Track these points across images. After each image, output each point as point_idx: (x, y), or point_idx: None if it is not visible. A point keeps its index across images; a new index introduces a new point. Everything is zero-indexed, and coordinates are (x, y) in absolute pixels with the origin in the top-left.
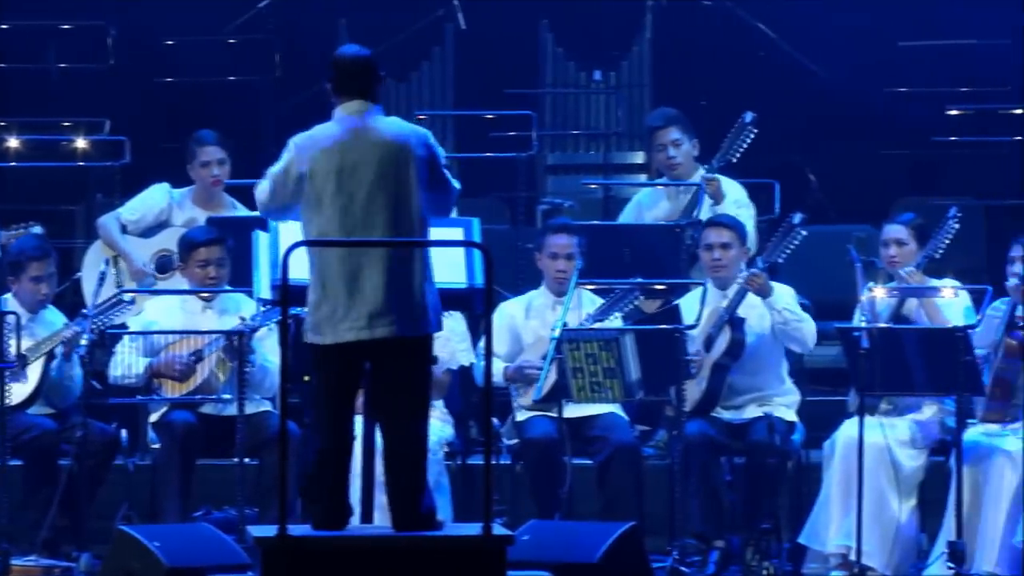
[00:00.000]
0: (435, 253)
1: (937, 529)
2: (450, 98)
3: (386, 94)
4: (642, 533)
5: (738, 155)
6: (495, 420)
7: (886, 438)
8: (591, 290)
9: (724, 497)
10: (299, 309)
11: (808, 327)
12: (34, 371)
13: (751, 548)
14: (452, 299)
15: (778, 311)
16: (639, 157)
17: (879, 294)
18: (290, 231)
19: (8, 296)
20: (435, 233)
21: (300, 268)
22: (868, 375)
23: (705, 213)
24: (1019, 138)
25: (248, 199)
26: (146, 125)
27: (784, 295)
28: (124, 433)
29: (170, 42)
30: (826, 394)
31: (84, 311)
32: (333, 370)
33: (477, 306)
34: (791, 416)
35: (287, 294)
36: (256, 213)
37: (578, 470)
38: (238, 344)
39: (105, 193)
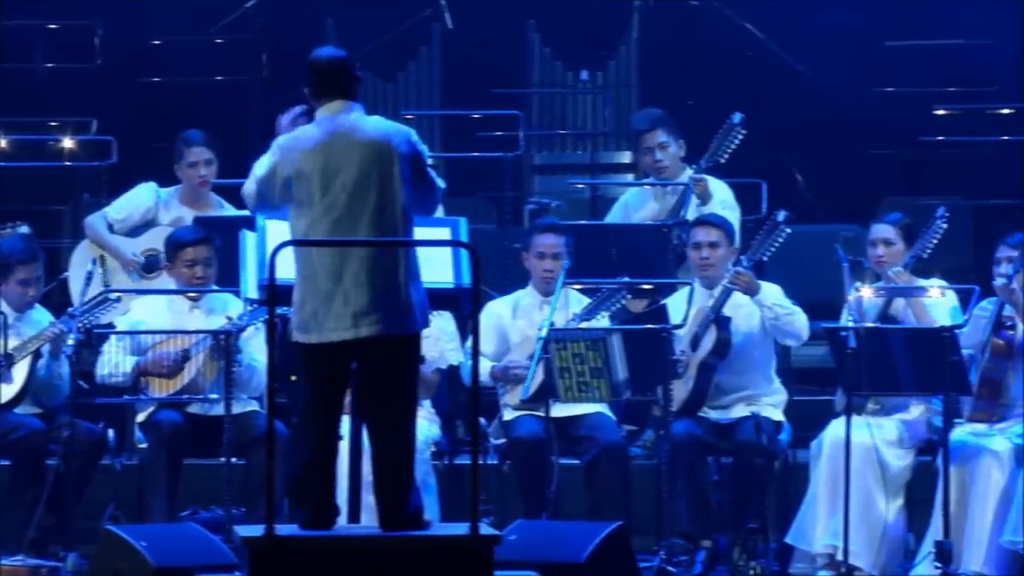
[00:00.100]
0: (422, 253)
1: (924, 529)
2: (437, 98)
3: (373, 93)
4: (629, 533)
5: (726, 156)
6: (482, 420)
7: (873, 438)
8: (578, 290)
9: (711, 497)
10: (286, 309)
11: (800, 319)
12: (20, 371)
13: (738, 548)
14: (439, 299)
15: (768, 307)
16: (626, 157)
17: (866, 294)
18: (277, 231)
19: None
20: (422, 233)
21: (287, 268)
22: (855, 375)
23: (692, 214)
24: (1007, 138)
25: (235, 199)
26: (133, 125)
27: (772, 291)
28: (111, 433)
29: (157, 42)
30: (813, 394)
31: (70, 310)
32: (320, 370)
33: (464, 306)
34: (778, 416)
35: (274, 294)
36: (244, 212)
37: (565, 470)
38: (225, 344)
39: (92, 193)
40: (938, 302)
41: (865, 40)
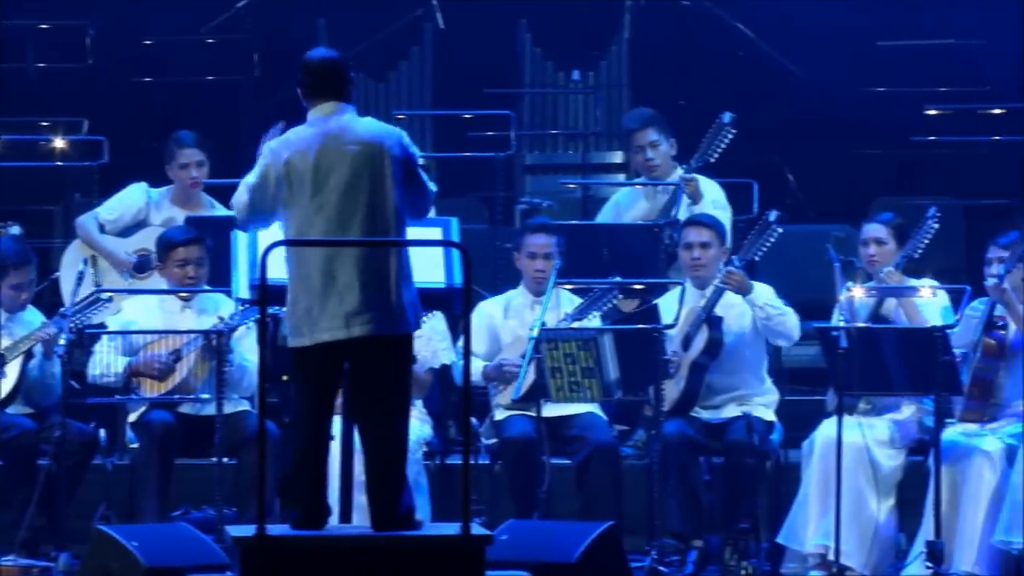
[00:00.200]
0: (414, 253)
1: (915, 529)
2: (428, 98)
3: (364, 94)
4: (620, 533)
5: (716, 155)
6: (473, 420)
7: (864, 438)
8: (569, 290)
9: (702, 497)
10: (277, 309)
11: (791, 319)
12: (11, 371)
13: (729, 548)
14: (431, 299)
15: (759, 307)
16: (617, 157)
17: (858, 294)
18: (268, 231)
19: None
20: (413, 233)
21: (279, 268)
22: (847, 375)
23: (683, 213)
24: (998, 138)
25: (227, 199)
26: (124, 125)
27: (764, 292)
28: (103, 433)
29: (149, 42)
30: (805, 394)
31: (62, 310)
32: (311, 370)
33: (456, 306)
34: (770, 416)
35: (265, 294)
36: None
37: (556, 470)
38: (216, 344)
39: (83, 193)
40: (929, 302)
41: (857, 40)
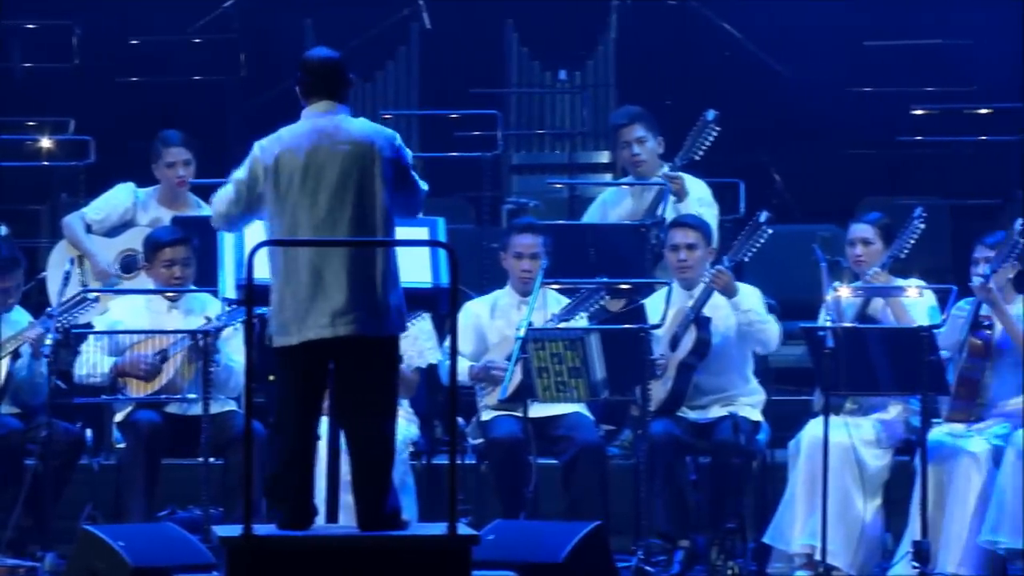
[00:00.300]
0: (400, 252)
1: (902, 529)
2: (415, 98)
3: (351, 93)
4: (607, 533)
5: (700, 153)
6: (460, 420)
7: (851, 438)
8: (556, 290)
9: (689, 497)
10: (264, 309)
11: (772, 329)
12: None
13: (716, 548)
14: (417, 299)
15: (743, 312)
16: (604, 156)
17: (844, 294)
18: (255, 231)
19: None
20: (400, 232)
21: (265, 268)
22: (833, 375)
23: (669, 211)
24: (984, 138)
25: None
26: (111, 125)
27: (750, 296)
28: (89, 433)
29: (135, 42)
30: (791, 394)
31: (48, 310)
32: (298, 369)
33: (442, 306)
34: (756, 416)
35: (252, 294)
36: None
37: (543, 470)
38: (203, 344)
39: (70, 193)
40: (916, 302)
41: (843, 40)
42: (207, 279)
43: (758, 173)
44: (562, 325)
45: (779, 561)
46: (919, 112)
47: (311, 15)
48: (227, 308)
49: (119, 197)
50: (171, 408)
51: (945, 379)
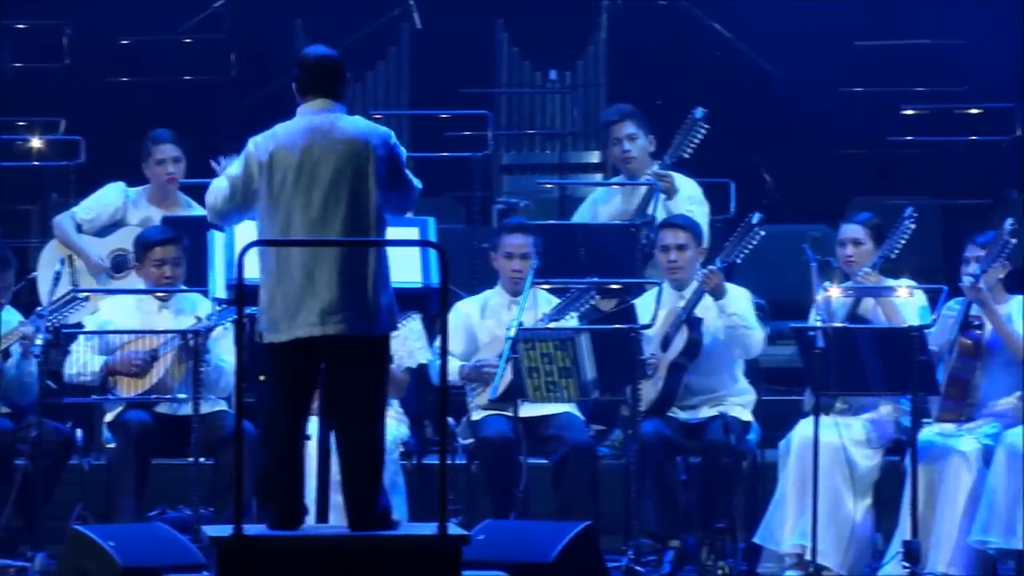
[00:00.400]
0: (391, 252)
1: (892, 529)
2: (406, 97)
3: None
4: (597, 533)
5: (689, 150)
6: (450, 420)
7: (841, 437)
8: (547, 289)
9: (679, 497)
10: (254, 308)
11: (756, 336)
12: None
13: (706, 548)
14: (408, 299)
15: (728, 314)
16: (594, 156)
17: (834, 294)
18: (245, 231)
19: None
20: (391, 232)
21: (256, 267)
22: (823, 375)
23: (660, 210)
24: (975, 138)
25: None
26: (101, 125)
27: (739, 299)
28: (79, 433)
29: (125, 42)
30: (781, 394)
31: (38, 310)
32: (287, 368)
33: (433, 306)
34: (747, 416)
35: (242, 293)
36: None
37: (533, 470)
38: (193, 344)
39: (60, 193)
40: (907, 302)
41: (833, 40)
42: (197, 279)
43: (749, 173)
44: (552, 325)
45: (769, 561)
46: (910, 112)
47: (301, 15)
48: (217, 308)
49: (109, 196)
50: (161, 408)
51: (935, 379)
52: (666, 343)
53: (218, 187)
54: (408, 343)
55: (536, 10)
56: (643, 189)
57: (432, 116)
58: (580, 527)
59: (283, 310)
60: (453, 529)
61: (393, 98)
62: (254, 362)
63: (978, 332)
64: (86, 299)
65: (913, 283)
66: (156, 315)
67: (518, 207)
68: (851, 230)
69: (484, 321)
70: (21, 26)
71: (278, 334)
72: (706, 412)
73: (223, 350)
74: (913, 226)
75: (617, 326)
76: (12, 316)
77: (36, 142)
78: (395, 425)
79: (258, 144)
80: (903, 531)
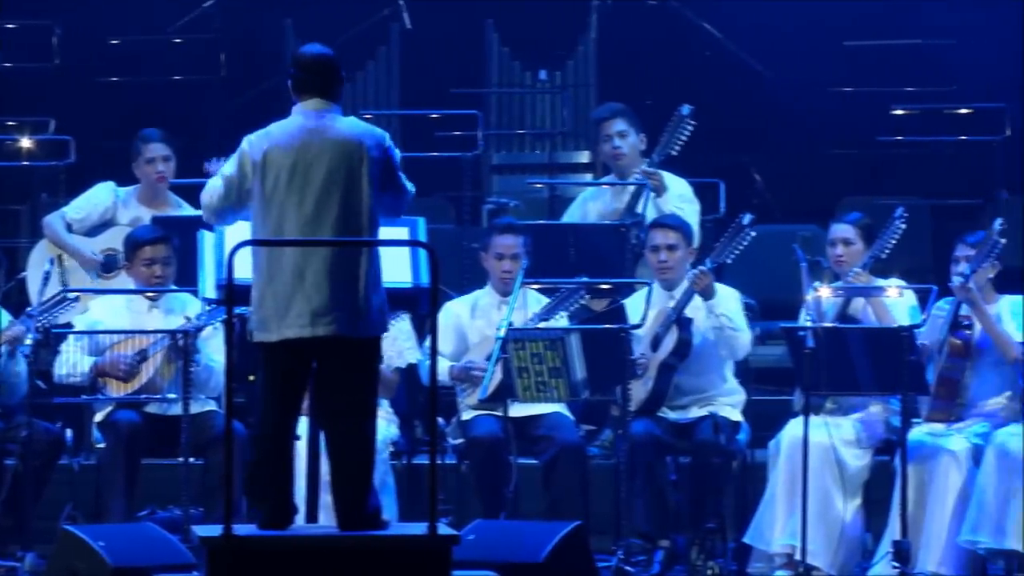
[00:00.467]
0: (381, 252)
1: (882, 528)
2: (395, 97)
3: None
4: (587, 533)
5: (677, 148)
6: (440, 420)
7: (831, 437)
8: (536, 289)
9: (669, 497)
10: (244, 308)
11: (743, 338)
12: None
13: (696, 548)
14: (398, 299)
15: (716, 315)
16: (584, 156)
17: (824, 294)
18: (235, 231)
19: None
20: (380, 232)
21: (245, 267)
22: (813, 375)
23: (650, 208)
24: (964, 138)
25: (193, 198)
26: (91, 125)
27: (728, 299)
28: (69, 433)
29: (115, 42)
30: (771, 394)
31: (28, 310)
32: (277, 367)
33: (423, 306)
34: (736, 416)
35: (232, 293)
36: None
37: (523, 470)
38: (183, 343)
39: (50, 192)
40: (896, 302)
41: (823, 40)
42: (187, 279)
43: (738, 173)
44: (542, 325)
45: (759, 561)
46: (899, 112)
47: (291, 15)
48: (207, 308)
49: (99, 196)
50: (151, 408)
51: (925, 379)
52: (656, 343)
53: (213, 186)
54: (397, 343)
55: (526, 10)
56: (632, 187)
57: (422, 116)
58: (570, 527)
59: (273, 310)
60: (443, 529)
61: (383, 98)
62: (244, 362)
63: (968, 332)
64: (76, 299)
65: (903, 283)
66: (146, 315)
67: (508, 207)
68: (841, 230)
69: (474, 321)
70: (11, 26)
71: (268, 334)
72: (696, 412)
73: (213, 350)
74: (903, 226)
75: (607, 326)
76: (2, 316)
77: (26, 142)
78: (385, 425)
79: (252, 143)
80: (893, 531)
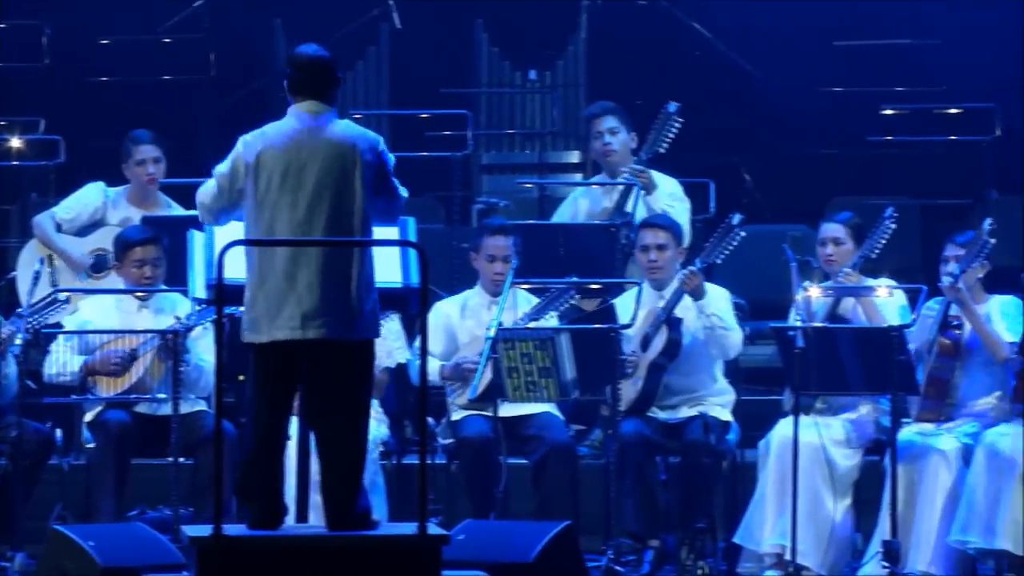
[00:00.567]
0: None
1: (872, 528)
2: (385, 97)
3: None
4: (577, 532)
5: (665, 145)
6: (430, 419)
7: (821, 437)
8: (526, 289)
9: (659, 496)
10: (234, 308)
11: (734, 338)
12: None
13: (686, 547)
14: (388, 299)
15: (707, 315)
16: (574, 156)
17: (814, 293)
18: (225, 231)
19: None
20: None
21: (235, 267)
22: (803, 374)
23: (640, 207)
24: (954, 138)
25: (183, 199)
26: (81, 125)
27: (718, 299)
28: (59, 433)
29: (105, 42)
30: (761, 393)
31: (19, 311)
32: (268, 368)
33: (413, 306)
34: (726, 415)
35: (222, 293)
36: (192, 212)
37: (513, 469)
38: (173, 343)
39: (40, 192)
40: (886, 302)
41: (813, 40)
42: (177, 279)
43: (728, 173)
44: (532, 325)
45: (749, 561)
46: (889, 112)
47: (281, 15)
48: (197, 308)
49: (89, 196)
50: (141, 408)
51: (915, 379)
52: (646, 343)
53: (208, 186)
54: (387, 343)
55: (516, 10)
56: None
57: (412, 116)
58: (560, 527)
59: (264, 311)
60: (433, 529)
61: (373, 98)
62: (234, 362)
63: (957, 332)
64: (67, 300)
65: (893, 283)
66: (136, 315)
67: (498, 207)
68: (831, 229)
69: (464, 321)
70: (0, 26)
71: (258, 335)
72: (686, 412)
73: (203, 350)
74: (893, 226)
75: (597, 326)
76: None
77: (16, 142)
78: (375, 425)
79: (247, 143)
80: (883, 531)
